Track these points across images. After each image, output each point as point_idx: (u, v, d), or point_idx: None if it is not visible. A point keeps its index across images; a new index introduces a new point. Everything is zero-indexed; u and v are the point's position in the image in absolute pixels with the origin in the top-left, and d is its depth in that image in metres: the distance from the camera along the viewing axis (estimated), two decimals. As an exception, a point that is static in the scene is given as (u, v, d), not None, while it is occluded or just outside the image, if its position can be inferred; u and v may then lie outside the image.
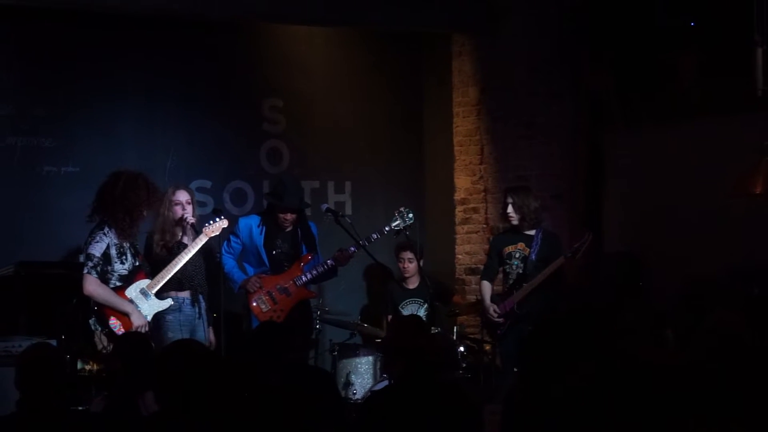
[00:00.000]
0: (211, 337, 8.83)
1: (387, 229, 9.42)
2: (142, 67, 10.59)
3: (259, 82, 11.25)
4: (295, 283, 9.26)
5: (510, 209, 9.54)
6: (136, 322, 8.26)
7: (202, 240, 8.65)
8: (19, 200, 10.07)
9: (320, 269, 9.29)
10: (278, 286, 9.24)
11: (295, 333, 6.46)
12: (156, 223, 8.74)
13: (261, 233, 9.30)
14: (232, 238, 9.33)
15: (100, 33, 10.32)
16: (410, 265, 10.23)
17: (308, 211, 10.16)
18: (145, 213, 8.42)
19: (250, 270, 9.37)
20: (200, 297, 8.84)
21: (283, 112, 11.37)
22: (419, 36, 11.87)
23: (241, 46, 11.15)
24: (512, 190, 9.70)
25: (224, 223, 8.75)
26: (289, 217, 9.26)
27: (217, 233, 8.73)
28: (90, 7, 9.72)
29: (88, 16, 10.00)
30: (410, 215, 9.42)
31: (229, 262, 9.28)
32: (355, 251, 9.29)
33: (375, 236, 9.34)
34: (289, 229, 9.34)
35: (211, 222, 8.71)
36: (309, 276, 9.29)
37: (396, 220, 9.42)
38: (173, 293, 8.69)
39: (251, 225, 9.34)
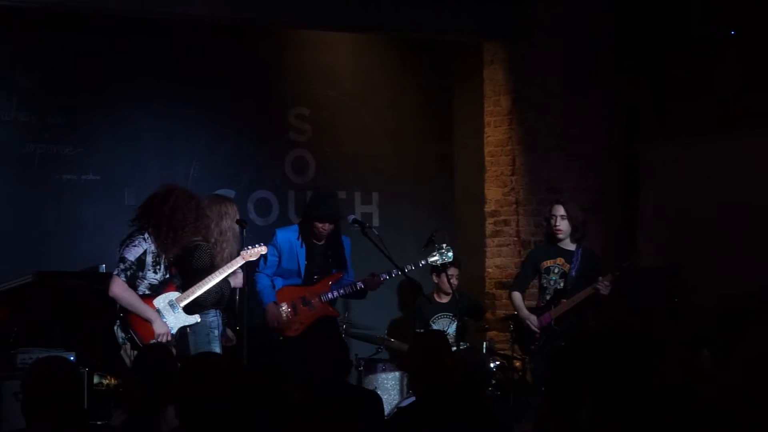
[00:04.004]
0: (230, 333, 8.67)
1: (423, 263, 9.40)
2: (164, 75, 10.50)
3: (285, 90, 11.15)
4: (320, 298, 9.15)
5: (559, 221, 9.29)
6: (158, 330, 8.08)
7: (238, 262, 8.45)
8: (38, 208, 9.98)
9: (348, 290, 9.21)
10: (303, 298, 9.13)
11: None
12: (211, 231, 8.52)
13: (302, 247, 9.18)
14: (269, 249, 9.05)
15: (121, 40, 10.25)
16: (456, 282, 10.05)
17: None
18: (190, 236, 8.20)
19: (279, 282, 9.21)
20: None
21: (309, 120, 11.26)
22: (450, 43, 11.77)
23: (267, 54, 11.06)
24: (563, 201, 9.46)
25: (263, 250, 8.58)
26: (327, 227, 9.10)
27: (255, 259, 8.54)
28: (111, 12, 9.61)
29: (108, 23, 9.95)
30: (450, 254, 9.43)
31: (262, 281, 9.14)
32: (386, 278, 9.20)
33: (409, 267, 9.20)
34: (322, 243, 9.20)
35: (250, 246, 8.51)
36: (335, 294, 9.20)
37: (434, 255, 9.41)
38: (213, 309, 8.53)
39: (290, 239, 9.20)
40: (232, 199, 8.96)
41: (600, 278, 9.06)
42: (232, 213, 8.66)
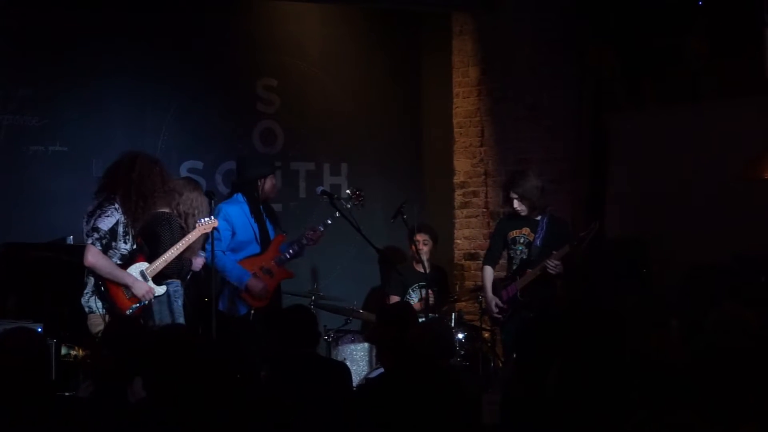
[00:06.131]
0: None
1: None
2: (132, 46, 10.37)
3: (253, 60, 11.06)
4: (276, 263, 9.17)
5: (516, 203, 9.27)
6: (139, 291, 8.05)
7: (195, 235, 8.44)
8: (5, 180, 9.87)
9: (296, 248, 9.21)
10: (262, 268, 9.13)
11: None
12: (177, 199, 8.55)
13: (255, 218, 9.18)
14: (221, 224, 8.99)
15: (88, 11, 10.10)
16: (425, 247, 10.08)
17: (302, 193, 10.55)
18: (157, 202, 8.16)
19: (232, 256, 9.15)
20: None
21: (277, 91, 11.18)
22: (418, 14, 11.71)
23: (234, 24, 10.96)
24: (512, 184, 9.37)
25: (215, 223, 8.54)
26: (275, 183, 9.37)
27: (208, 231, 8.50)
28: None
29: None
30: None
31: (224, 259, 9.09)
32: (323, 230, 9.20)
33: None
34: (261, 205, 9.26)
35: (204, 220, 8.49)
36: (288, 255, 9.20)
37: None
38: (176, 279, 8.52)
39: (241, 209, 9.19)
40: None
41: (553, 253, 9.06)
42: (200, 197, 8.71)
